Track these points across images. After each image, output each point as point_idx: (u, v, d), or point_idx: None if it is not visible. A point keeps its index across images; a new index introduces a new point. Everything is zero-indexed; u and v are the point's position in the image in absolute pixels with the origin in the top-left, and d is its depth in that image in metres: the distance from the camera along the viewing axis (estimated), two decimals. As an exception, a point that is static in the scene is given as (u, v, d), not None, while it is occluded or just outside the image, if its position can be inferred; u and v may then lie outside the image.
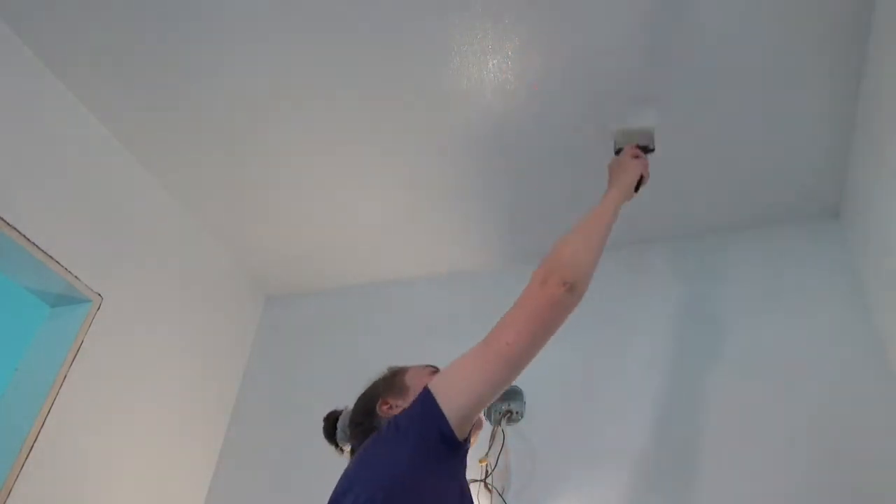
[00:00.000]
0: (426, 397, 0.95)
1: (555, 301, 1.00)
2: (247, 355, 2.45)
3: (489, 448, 1.83)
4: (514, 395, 1.94)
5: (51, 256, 1.67)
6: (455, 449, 0.96)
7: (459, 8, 1.47)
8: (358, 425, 1.16)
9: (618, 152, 1.54)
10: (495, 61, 1.59)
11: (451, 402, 0.94)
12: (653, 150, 1.53)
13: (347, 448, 1.20)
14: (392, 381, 1.20)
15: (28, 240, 1.61)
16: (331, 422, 1.24)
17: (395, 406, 1.12)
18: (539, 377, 1.95)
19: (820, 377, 1.68)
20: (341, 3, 1.48)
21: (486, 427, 1.90)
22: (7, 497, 1.50)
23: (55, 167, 1.73)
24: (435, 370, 1.18)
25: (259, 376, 2.38)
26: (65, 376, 1.68)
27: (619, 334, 1.97)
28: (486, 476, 1.78)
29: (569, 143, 1.79)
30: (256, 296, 2.56)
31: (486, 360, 0.96)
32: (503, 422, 1.89)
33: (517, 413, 1.91)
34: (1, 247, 1.60)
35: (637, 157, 1.47)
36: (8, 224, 1.57)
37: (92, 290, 1.79)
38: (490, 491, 1.77)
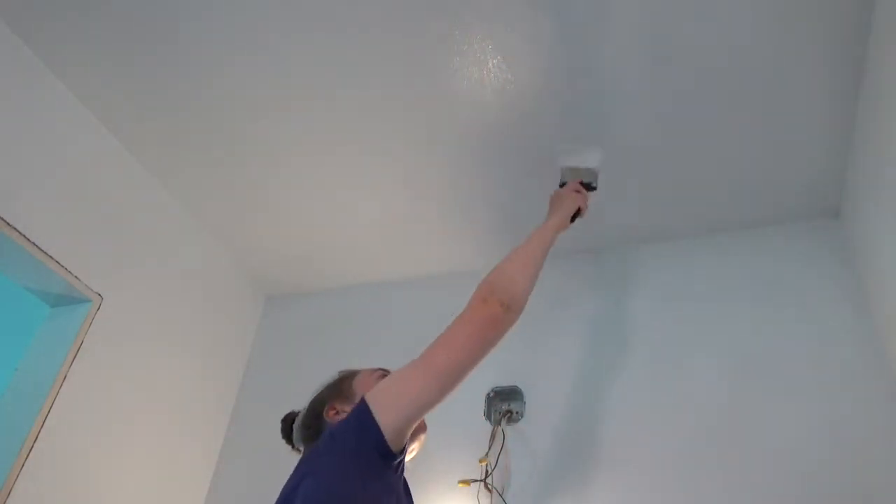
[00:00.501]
0: (362, 409, 0.96)
1: (494, 320, 1.05)
2: (247, 355, 2.45)
3: (489, 448, 1.83)
4: (514, 395, 1.95)
5: (51, 256, 1.67)
6: (389, 461, 0.96)
7: (459, 8, 1.47)
8: (307, 429, 1.18)
9: (562, 185, 1.65)
10: (495, 61, 1.59)
11: (386, 415, 0.94)
12: (595, 189, 1.67)
13: (303, 449, 1.20)
14: (339, 387, 1.22)
15: (28, 240, 1.61)
16: (288, 423, 1.26)
17: (341, 412, 1.14)
18: (539, 377, 1.96)
19: (820, 377, 1.68)
20: (342, 3, 1.48)
21: (487, 427, 1.90)
22: (7, 497, 1.50)
23: (55, 167, 1.73)
24: (385, 373, 1.18)
25: (259, 376, 2.38)
26: (65, 376, 1.68)
27: (618, 334, 1.97)
28: (486, 476, 1.78)
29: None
30: (256, 296, 2.56)
31: (422, 376, 0.98)
32: (503, 422, 1.89)
33: (517, 413, 1.91)
34: (1, 247, 1.60)
35: (578, 191, 1.56)
36: (8, 224, 1.57)
37: (92, 290, 1.79)
38: (490, 491, 1.77)
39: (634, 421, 1.79)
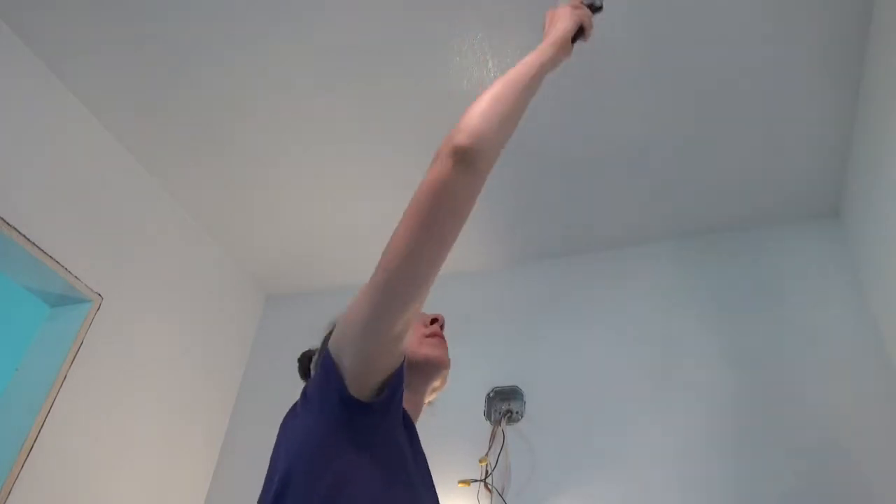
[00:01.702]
0: (324, 359, 0.76)
1: (443, 181, 0.74)
2: (247, 355, 2.45)
3: (489, 448, 1.83)
4: (514, 395, 1.95)
5: (51, 256, 1.67)
6: (360, 412, 0.74)
7: (459, 8, 1.47)
8: (306, 374, 1.08)
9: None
10: (495, 61, 1.59)
11: (343, 354, 0.74)
12: (601, 8, 1.29)
13: None
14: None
15: (28, 240, 1.61)
16: (306, 360, 1.13)
17: None
18: (539, 377, 1.96)
19: (820, 376, 1.68)
20: (342, 3, 1.48)
21: (487, 427, 1.90)
22: (7, 497, 1.50)
23: (55, 167, 1.73)
24: None
25: (259, 376, 2.38)
26: (65, 376, 1.68)
27: (618, 334, 1.97)
28: (486, 476, 1.78)
29: (569, 144, 1.79)
30: (256, 296, 2.56)
31: (366, 296, 0.74)
32: (503, 422, 1.89)
33: (517, 413, 1.91)
34: (1, 247, 1.60)
35: (577, 7, 1.17)
36: (8, 224, 1.57)
37: (92, 290, 1.79)
38: (490, 491, 1.77)
39: (634, 420, 1.79)
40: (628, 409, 1.82)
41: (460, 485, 1.78)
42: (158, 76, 1.71)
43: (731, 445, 1.66)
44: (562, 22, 1.10)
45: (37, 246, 1.64)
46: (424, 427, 0.93)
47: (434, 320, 1.02)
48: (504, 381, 1.98)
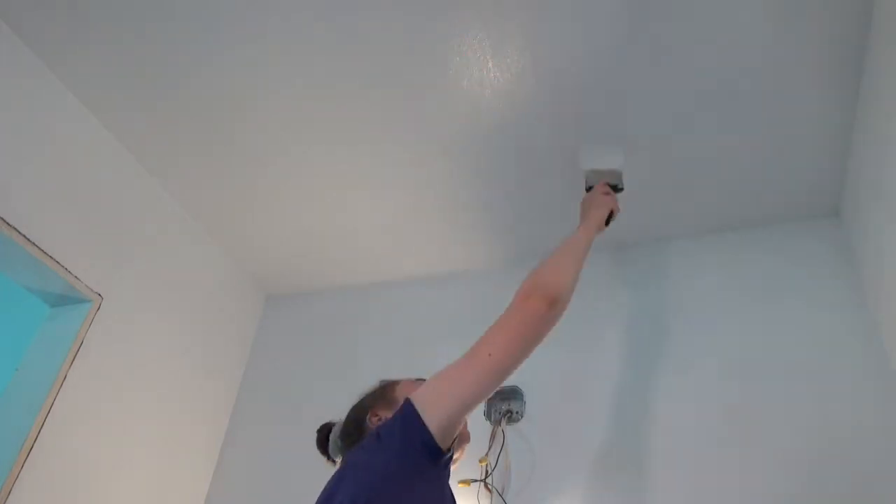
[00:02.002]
0: (408, 408, 0.96)
1: (538, 316, 1.05)
2: (247, 355, 2.45)
3: (489, 448, 1.83)
4: (514, 395, 1.95)
5: (51, 256, 1.67)
6: (436, 458, 0.96)
7: (459, 8, 1.47)
8: (348, 436, 1.17)
9: (588, 189, 1.67)
10: (495, 61, 1.59)
11: (432, 412, 0.94)
12: (622, 190, 1.68)
13: (339, 460, 1.20)
14: (382, 394, 1.21)
15: (28, 240, 1.61)
16: (324, 433, 1.25)
17: (384, 418, 1.12)
18: (539, 377, 1.96)
19: (820, 377, 1.68)
20: (341, 2, 1.48)
21: (487, 427, 1.90)
22: (7, 497, 1.50)
23: (55, 167, 1.73)
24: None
25: (259, 376, 2.38)
26: (65, 376, 1.68)
27: (618, 334, 1.97)
28: (486, 476, 1.78)
29: (569, 144, 1.79)
30: (256, 296, 2.56)
31: (469, 372, 0.99)
32: (503, 422, 1.89)
33: (517, 413, 1.91)
34: (1, 247, 1.60)
35: (608, 193, 1.59)
36: (8, 224, 1.57)
37: (92, 290, 1.79)
38: (490, 491, 1.77)
39: (634, 420, 1.79)
40: (628, 409, 1.82)
41: (460, 485, 1.78)
42: (158, 76, 1.71)
43: (731, 445, 1.66)
44: (597, 210, 1.51)
45: (37, 246, 1.64)
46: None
47: None
48: (504, 381, 1.98)
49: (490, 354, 0.99)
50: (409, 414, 0.95)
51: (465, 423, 1.21)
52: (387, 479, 0.91)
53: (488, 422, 1.92)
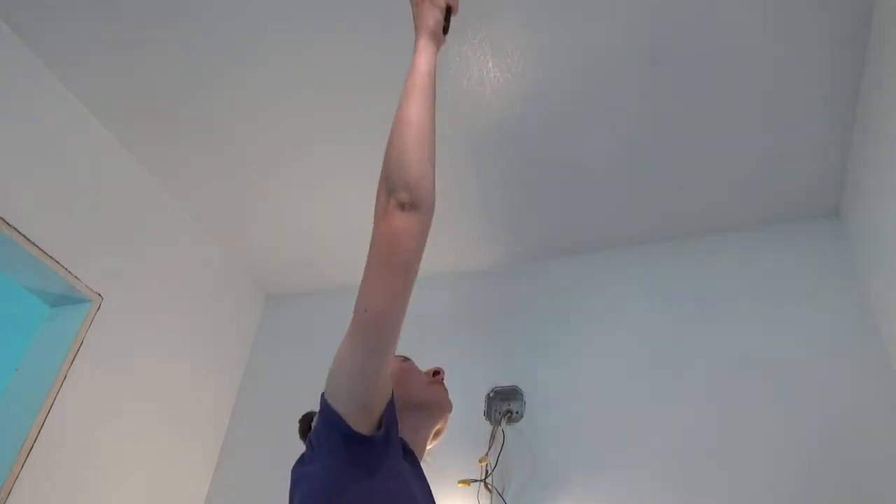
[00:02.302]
0: (322, 407, 0.85)
1: (397, 232, 0.82)
2: (247, 355, 2.45)
3: (489, 448, 1.83)
4: (514, 395, 1.95)
5: (51, 256, 1.67)
6: (366, 446, 0.82)
7: (460, 8, 1.47)
8: None
9: None
10: (495, 61, 1.59)
11: (340, 400, 0.83)
12: None
13: None
14: None
15: (28, 240, 1.61)
16: (305, 423, 1.19)
17: None
18: (539, 377, 1.96)
19: (820, 376, 1.68)
20: (341, 4, 1.48)
21: (487, 427, 1.90)
22: (7, 497, 1.50)
23: (55, 167, 1.73)
24: (403, 359, 1.11)
25: (259, 376, 2.38)
26: (65, 376, 1.68)
27: (618, 334, 1.97)
28: (486, 476, 1.78)
29: (568, 143, 1.79)
30: (256, 296, 2.56)
31: (354, 340, 0.83)
32: (503, 422, 1.89)
33: (517, 413, 1.91)
34: (1, 247, 1.60)
35: None
36: (8, 224, 1.57)
37: (92, 290, 1.79)
38: (490, 491, 1.77)
39: (634, 420, 1.79)
40: (628, 409, 1.82)
41: (460, 485, 1.78)
42: (158, 76, 1.71)
43: (731, 445, 1.66)
44: (429, 12, 1.06)
45: (37, 246, 1.64)
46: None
47: (436, 373, 1.13)
48: (504, 381, 1.98)
49: (366, 310, 0.81)
50: (325, 412, 0.84)
51: (443, 392, 1.10)
52: (328, 488, 0.83)
53: (488, 422, 1.92)
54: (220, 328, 2.32)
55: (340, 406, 0.83)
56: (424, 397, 1.05)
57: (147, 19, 1.56)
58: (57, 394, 1.66)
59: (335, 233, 2.23)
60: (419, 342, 2.22)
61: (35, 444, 1.59)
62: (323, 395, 0.87)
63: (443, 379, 1.14)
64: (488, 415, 1.93)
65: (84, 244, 1.79)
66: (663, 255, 2.08)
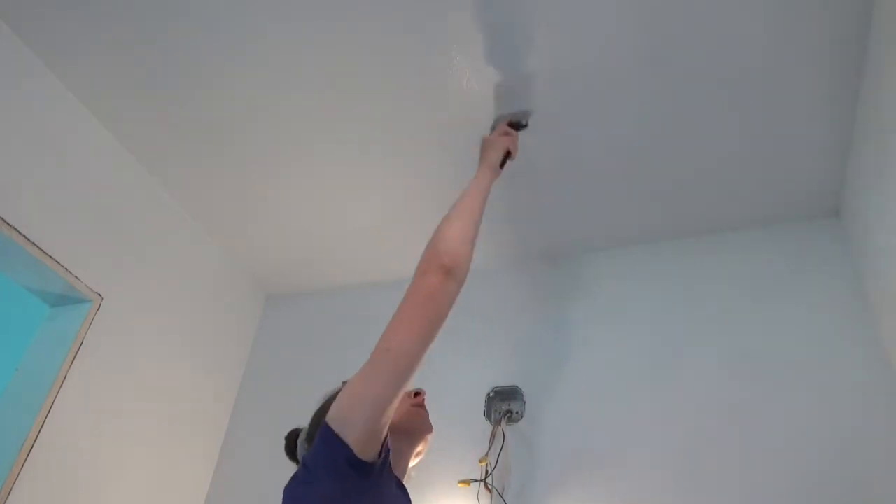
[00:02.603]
0: (325, 431, 0.91)
1: (435, 291, 0.99)
2: (247, 355, 2.45)
3: (489, 448, 1.83)
4: (514, 395, 1.95)
5: (51, 256, 1.67)
6: (366, 472, 0.90)
7: (459, 8, 1.47)
8: (312, 441, 1.16)
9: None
10: (495, 61, 1.58)
11: (347, 427, 0.89)
12: (525, 126, 1.60)
13: None
14: None
15: (28, 240, 1.61)
16: (291, 440, 1.22)
17: None
18: (539, 377, 1.96)
19: (819, 376, 1.68)
20: (341, 4, 1.48)
21: (487, 427, 1.90)
22: (7, 497, 1.50)
23: (55, 168, 1.73)
24: None
25: (259, 376, 2.38)
26: (65, 376, 1.68)
27: (618, 334, 1.97)
28: (486, 476, 1.78)
29: (568, 143, 1.79)
30: (256, 296, 2.56)
31: (372, 375, 0.93)
32: (503, 422, 1.89)
33: (517, 413, 1.91)
34: (1, 247, 1.60)
35: (506, 133, 1.49)
36: (8, 224, 1.57)
37: (92, 290, 1.79)
38: (490, 491, 1.77)
39: (634, 421, 1.79)
40: (628, 408, 1.82)
41: (460, 485, 1.78)
42: (159, 76, 1.71)
43: (731, 445, 1.66)
44: (493, 151, 1.43)
45: (37, 246, 1.64)
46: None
47: (417, 394, 1.21)
48: (504, 381, 1.98)
49: (388, 350, 0.94)
50: (327, 437, 0.90)
51: (424, 415, 1.17)
52: None
53: (488, 422, 1.92)
54: (220, 328, 2.33)
55: (348, 434, 0.89)
56: (407, 422, 1.12)
57: (147, 19, 1.56)
58: (57, 394, 1.66)
59: (335, 233, 2.23)
60: (419, 342, 2.23)
61: (35, 444, 1.59)
62: (325, 420, 0.92)
63: (423, 400, 1.20)
64: (488, 415, 1.93)
65: (84, 244, 1.79)
66: (663, 255, 2.08)
